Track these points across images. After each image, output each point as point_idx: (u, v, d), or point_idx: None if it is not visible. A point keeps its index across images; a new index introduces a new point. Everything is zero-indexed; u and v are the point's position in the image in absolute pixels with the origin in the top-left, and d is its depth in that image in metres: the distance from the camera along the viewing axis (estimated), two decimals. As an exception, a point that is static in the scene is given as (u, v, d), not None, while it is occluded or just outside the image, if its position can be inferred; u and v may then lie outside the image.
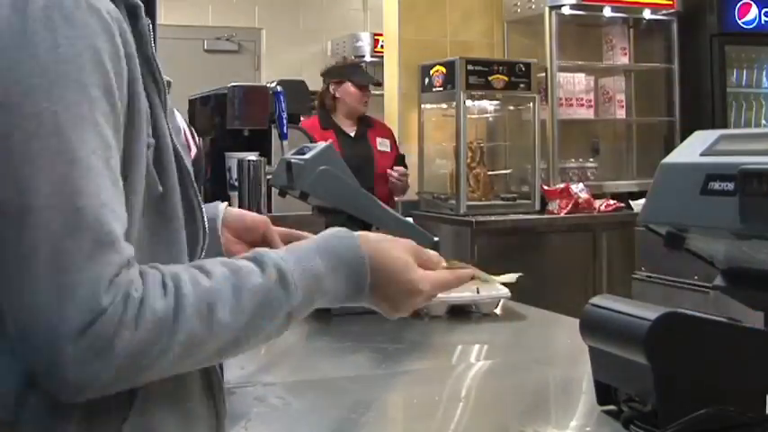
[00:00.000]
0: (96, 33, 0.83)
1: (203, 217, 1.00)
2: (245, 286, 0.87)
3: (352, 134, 4.29)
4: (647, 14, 5.26)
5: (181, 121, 1.98)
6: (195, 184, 0.99)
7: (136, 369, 0.80)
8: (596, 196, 4.86)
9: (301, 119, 3.59)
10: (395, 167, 4.30)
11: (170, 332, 0.81)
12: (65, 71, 0.80)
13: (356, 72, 4.45)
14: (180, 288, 0.82)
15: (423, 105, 4.98)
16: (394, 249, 1.03)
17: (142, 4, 0.93)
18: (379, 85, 4.59)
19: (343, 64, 4.71)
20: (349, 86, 4.27)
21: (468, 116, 4.74)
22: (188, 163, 0.98)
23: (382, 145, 4.35)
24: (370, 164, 4.18)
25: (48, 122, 0.79)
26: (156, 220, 0.91)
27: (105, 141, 0.82)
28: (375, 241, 1.01)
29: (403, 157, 4.50)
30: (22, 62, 0.80)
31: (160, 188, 0.91)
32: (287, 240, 1.23)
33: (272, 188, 2.50)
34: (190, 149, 0.87)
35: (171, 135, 0.95)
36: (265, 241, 1.27)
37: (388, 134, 4.48)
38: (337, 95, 4.28)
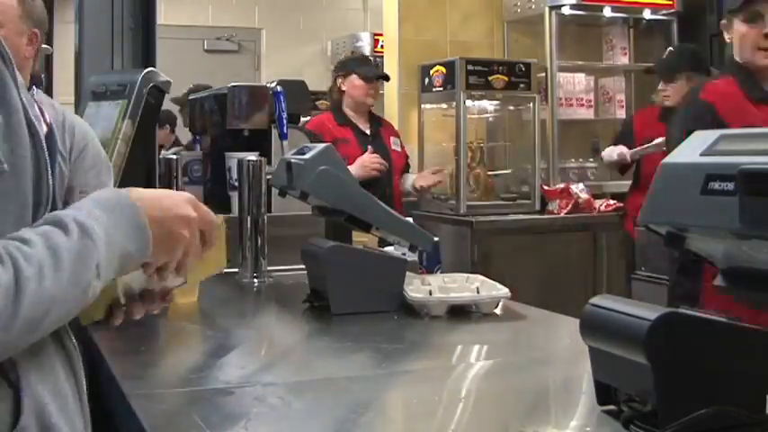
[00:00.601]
0: None
1: (50, 191, 1.04)
2: (57, 245, 0.92)
3: (368, 132, 4.26)
4: (647, 14, 5.26)
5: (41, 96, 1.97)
6: (48, 159, 1.03)
7: None
8: (596, 196, 4.86)
9: (301, 119, 3.59)
10: (421, 174, 4.31)
11: (13, 301, 0.86)
12: None
13: (363, 64, 4.42)
14: (16, 259, 0.88)
15: (423, 105, 4.98)
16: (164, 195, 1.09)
17: None
18: (387, 79, 4.58)
19: (351, 57, 4.69)
20: (355, 79, 4.24)
21: (468, 116, 4.74)
22: (42, 136, 1.02)
23: (395, 144, 4.33)
24: (389, 163, 4.15)
25: None
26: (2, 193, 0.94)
27: None
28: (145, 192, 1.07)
29: (407, 157, 4.49)
30: None
31: (5, 166, 0.94)
32: None
33: (272, 188, 2.51)
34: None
35: (25, 108, 0.98)
36: None
37: (396, 133, 4.47)
38: (343, 88, 4.24)
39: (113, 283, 1.08)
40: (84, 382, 1.11)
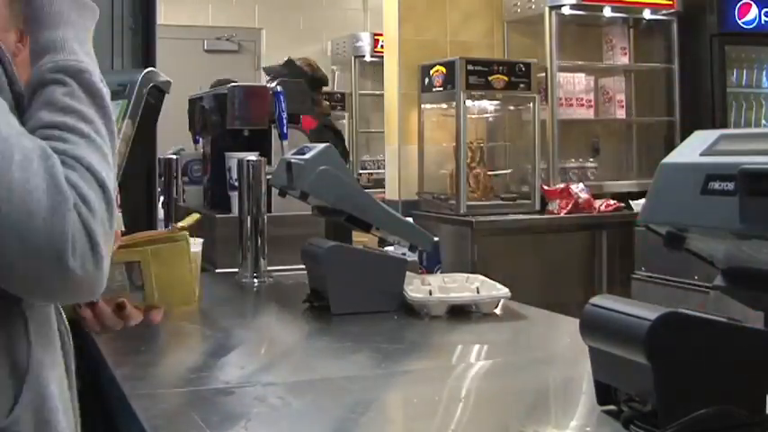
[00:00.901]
0: None
1: None
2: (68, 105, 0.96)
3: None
4: (647, 14, 5.26)
5: None
6: None
7: None
8: (596, 196, 4.86)
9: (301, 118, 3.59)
10: None
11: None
12: None
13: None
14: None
15: (423, 105, 4.98)
16: None
17: None
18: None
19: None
20: None
21: (468, 116, 4.74)
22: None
23: None
24: None
25: None
26: None
27: None
28: None
29: None
30: None
31: None
32: None
33: (272, 188, 2.51)
34: None
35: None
36: None
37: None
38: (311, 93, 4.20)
39: None
40: (73, 370, 1.12)
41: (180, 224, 1.36)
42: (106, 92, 1.01)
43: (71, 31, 1.03)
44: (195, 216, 1.48)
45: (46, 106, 0.95)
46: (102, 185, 0.92)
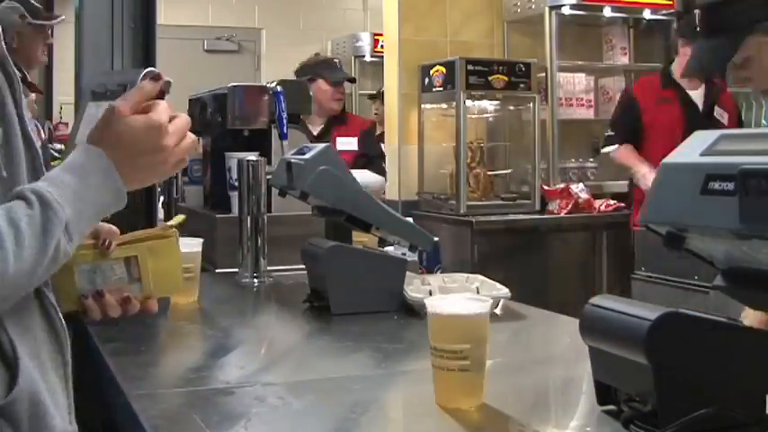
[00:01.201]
0: None
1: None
2: (19, 218, 0.98)
3: (316, 132, 4.25)
4: (647, 14, 5.26)
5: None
6: (43, 169, 1.13)
7: None
8: (596, 196, 4.86)
9: (301, 118, 3.59)
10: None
11: None
12: None
13: (330, 69, 4.42)
14: None
15: (423, 105, 4.98)
16: (130, 126, 1.11)
17: None
18: (353, 81, 4.56)
19: (315, 60, 4.66)
20: (322, 84, 4.25)
21: (468, 116, 4.74)
22: (38, 148, 1.13)
23: (345, 144, 4.29)
24: None
25: None
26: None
27: None
28: (108, 129, 1.10)
29: (372, 157, 4.40)
30: None
31: (4, 173, 1.04)
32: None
33: (272, 188, 2.50)
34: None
35: (23, 122, 1.09)
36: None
37: (356, 132, 4.42)
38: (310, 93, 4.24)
39: (73, 277, 1.23)
40: (70, 367, 1.17)
41: (169, 223, 1.54)
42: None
43: (89, 194, 1.06)
44: (181, 217, 1.63)
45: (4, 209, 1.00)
46: None
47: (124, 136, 1.09)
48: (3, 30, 1.11)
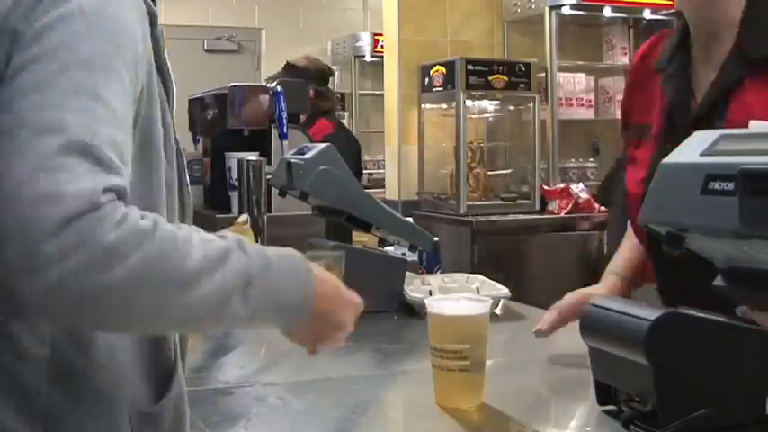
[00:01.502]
0: (139, 15, 0.97)
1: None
2: (210, 241, 0.91)
3: None
4: (647, 14, 5.25)
5: None
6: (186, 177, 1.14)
7: (102, 272, 0.80)
8: (596, 196, 4.86)
9: (301, 118, 3.59)
10: None
11: (146, 240, 0.83)
12: (108, 29, 0.90)
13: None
14: (158, 222, 0.87)
15: (423, 105, 4.98)
16: (340, 291, 1.10)
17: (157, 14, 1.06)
18: None
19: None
20: None
21: (468, 116, 4.73)
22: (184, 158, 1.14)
23: None
24: None
25: (82, 61, 0.86)
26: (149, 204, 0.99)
27: (126, 98, 0.90)
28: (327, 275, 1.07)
29: None
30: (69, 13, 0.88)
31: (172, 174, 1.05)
32: None
33: (272, 188, 2.50)
34: None
35: (174, 131, 1.09)
36: None
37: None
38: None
39: None
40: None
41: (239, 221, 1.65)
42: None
43: (278, 276, 0.96)
44: (245, 217, 1.63)
45: (203, 240, 0.91)
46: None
47: (332, 292, 1.05)
48: None
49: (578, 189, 4.79)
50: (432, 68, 4.82)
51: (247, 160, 2.66)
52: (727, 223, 0.99)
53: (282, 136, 2.96)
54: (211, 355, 1.81)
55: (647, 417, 1.18)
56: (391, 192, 5.10)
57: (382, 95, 5.31)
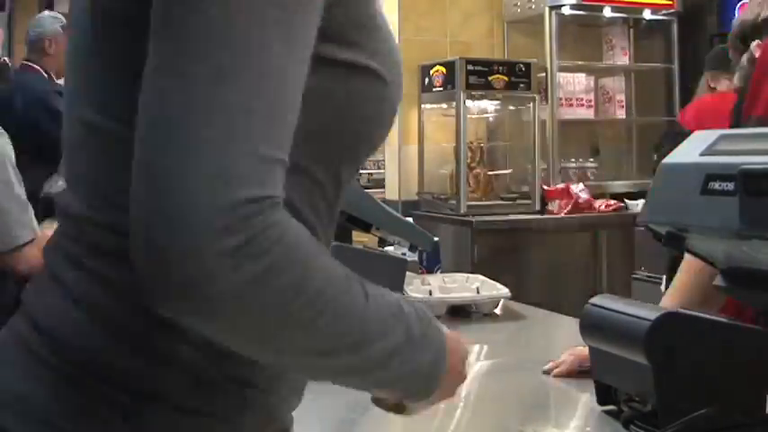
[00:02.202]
0: None
1: None
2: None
3: None
4: (647, 14, 5.26)
5: None
6: None
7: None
8: (596, 196, 4.86)
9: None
10: None
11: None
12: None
13: None
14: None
15: (423, 105, 4.98)
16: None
17: None
18: None
19: None
20: None
21: (468, 116, 4.74)
22: None
23: None
24: None
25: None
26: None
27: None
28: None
29: None
30: None
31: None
32: None
33: (272, 188, 2.50)
34: None
35: None
36: None
37: None
38: None
39: None
40: None
41: None
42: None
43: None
44: None
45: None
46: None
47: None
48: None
49: (578, 189, 4.79)
50: (432, 68, 4.82)
51: (247, 160, 2.65)
52: (727, 223, 0.99)
53: (282, 136, 2.96)
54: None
55: (647, 417, 1.18)
56: (391, 192, 5.10)
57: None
